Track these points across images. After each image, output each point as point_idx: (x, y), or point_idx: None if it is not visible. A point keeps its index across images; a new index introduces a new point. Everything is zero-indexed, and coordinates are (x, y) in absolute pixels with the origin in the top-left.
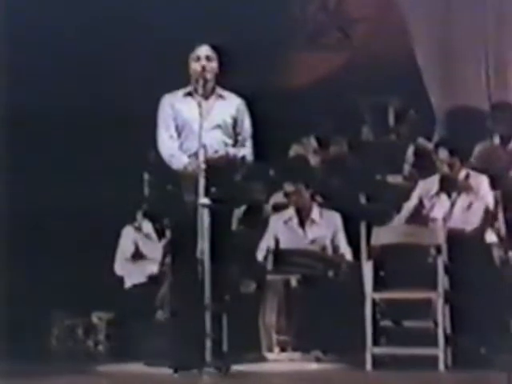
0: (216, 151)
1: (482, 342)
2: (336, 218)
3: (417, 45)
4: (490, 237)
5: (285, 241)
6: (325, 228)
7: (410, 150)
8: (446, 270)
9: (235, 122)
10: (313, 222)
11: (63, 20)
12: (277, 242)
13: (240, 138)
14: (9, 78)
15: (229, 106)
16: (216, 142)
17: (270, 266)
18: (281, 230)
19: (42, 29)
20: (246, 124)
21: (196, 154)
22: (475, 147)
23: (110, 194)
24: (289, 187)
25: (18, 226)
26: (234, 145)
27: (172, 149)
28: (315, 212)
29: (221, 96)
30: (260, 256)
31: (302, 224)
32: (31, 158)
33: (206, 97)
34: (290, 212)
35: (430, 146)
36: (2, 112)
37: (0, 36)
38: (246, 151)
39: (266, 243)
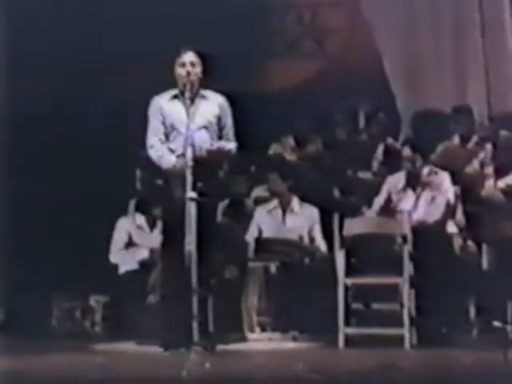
0: (211, 144)
1: (443, 323)
2: (314, 212)
3: (384, 54)
4: (451, 228)
5: (267, 229)
6: (303, 219)
7: (380, 149)
8: (411, 258)
9: (219, 119)
10: (292, 211)
11: (60, 22)
12: (260, 231)
13: (224, 132)
14: (8, 78)
15: (212, 106)
16: (202, 142)
17: (251, 253)
18: (264, 220)
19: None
20: (229, 120)
21: (183, 155)
22: (438, 146)
23: (107, 188)
24: (272, 175)
25: (20, 216)
26: (220, 140)
27: (160, 151)
28: (295, 203)
29: (203, 97)
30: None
31: (283, 214)
32: (33, 154)
33: (192, 99)
34: (274, 203)
35: (398, 145)
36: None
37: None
38: (232, 145)
39: (250, 233)
